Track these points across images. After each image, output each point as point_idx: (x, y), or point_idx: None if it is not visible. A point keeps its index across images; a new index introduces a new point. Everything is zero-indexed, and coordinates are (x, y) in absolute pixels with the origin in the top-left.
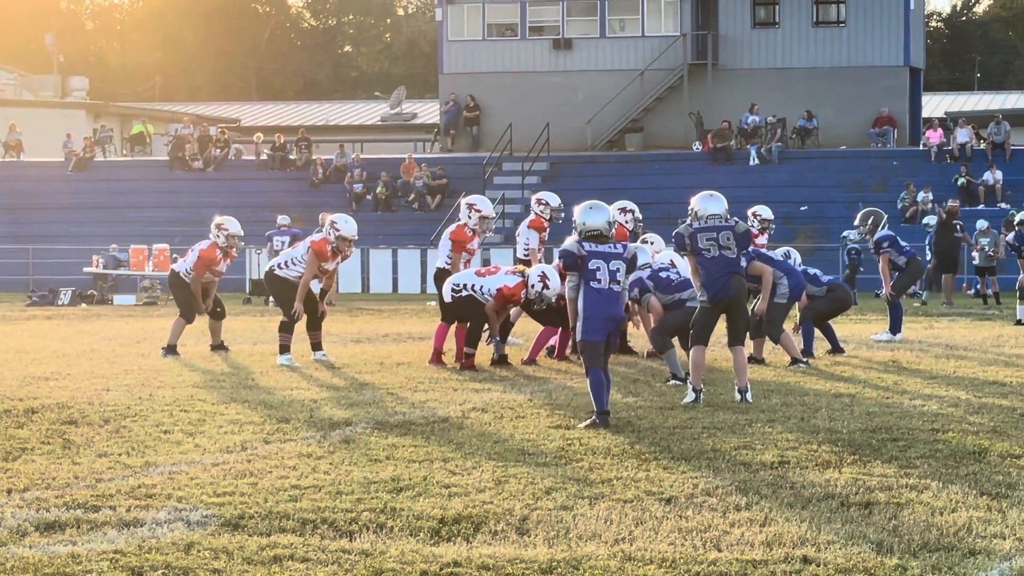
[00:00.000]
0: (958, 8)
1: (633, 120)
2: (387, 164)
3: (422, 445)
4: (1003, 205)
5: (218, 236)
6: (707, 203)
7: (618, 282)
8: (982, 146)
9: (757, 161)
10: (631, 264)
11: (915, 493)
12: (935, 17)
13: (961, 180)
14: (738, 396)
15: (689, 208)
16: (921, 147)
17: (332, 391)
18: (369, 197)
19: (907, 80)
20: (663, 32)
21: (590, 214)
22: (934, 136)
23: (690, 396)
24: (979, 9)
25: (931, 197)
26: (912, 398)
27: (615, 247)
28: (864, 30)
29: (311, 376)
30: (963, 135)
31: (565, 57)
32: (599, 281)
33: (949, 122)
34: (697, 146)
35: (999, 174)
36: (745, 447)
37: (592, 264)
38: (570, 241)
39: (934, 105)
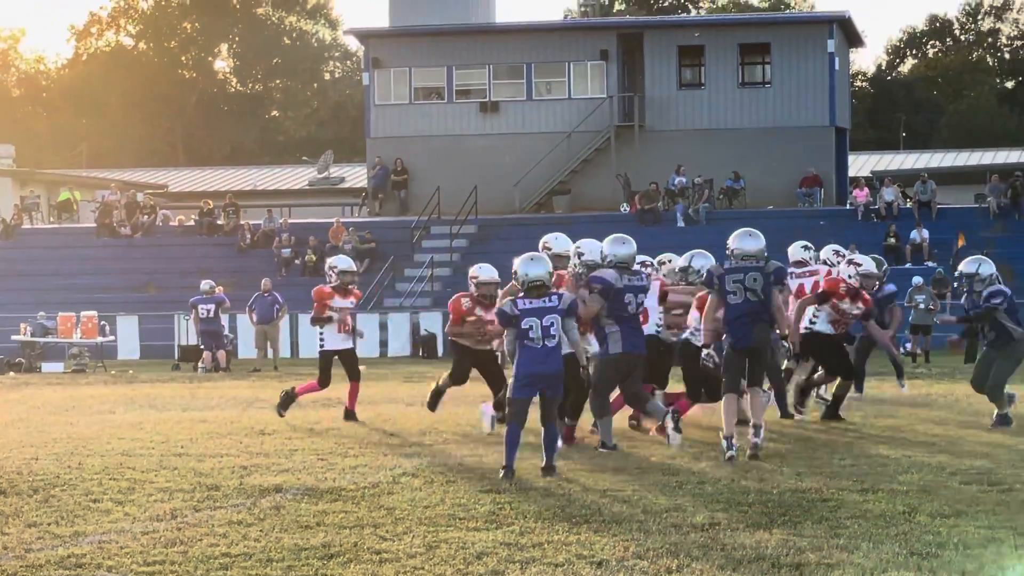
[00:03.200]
0: (883, 68)
1: (561, 182)
2: (315, 228)
3: (352, 511)
4: (930, 263)
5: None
6: (744, 242)
7: (553, 336)
8: (908, 205)
9: (683, 223)
10: (571, 311)
11: (846, 554)
12: (860, 77)
13: (891, 239)
14: (726, 448)
15: (727, 247)
16: (848, 206)
17: (262, 457)
18: (297, 262)
19: (833, 140)
20: (590, 94)
21: (530, 265)
22: (861, 195)
23: (727, 448)
24: (904, 69)
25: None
26: (842, 457)
27: (550, 300)
28: (789, 91)
29: (241, 442)
30: (889, 194)
31: (492, 120)
32: (532, 340)
33: (875, 181)
34: (625, 207)
35: (925, 233)
36: (676, 509)
37: (525, 323)
38: (507, 299)
39: (860, 164)
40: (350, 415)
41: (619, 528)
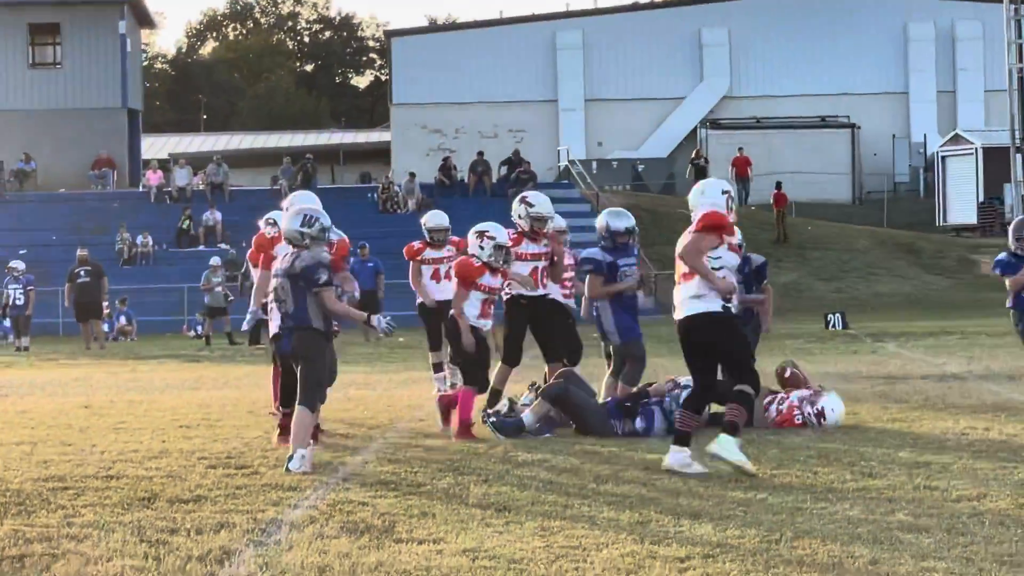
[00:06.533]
0: (184, 50)
1: None
2: None
3: None
4: (223, 245)
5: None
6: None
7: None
8: (202, 187)
9: None
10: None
11: (75, 543)
12: (160, 59)
13: (185, 222)
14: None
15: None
16: (141, 188)
17: None
18: None
19: (126, 121)
20: None
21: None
22: (154, 178)
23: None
24: (205, 51)
25: (151, 241)
26: (92, 443)
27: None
28: (81, 72)
29: None
30: (182, 176)
31: None
32: None
33: (171, 163)
34: None
35: (218, 215)
36: None
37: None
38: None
39: (159, 146)
40: None
41: None
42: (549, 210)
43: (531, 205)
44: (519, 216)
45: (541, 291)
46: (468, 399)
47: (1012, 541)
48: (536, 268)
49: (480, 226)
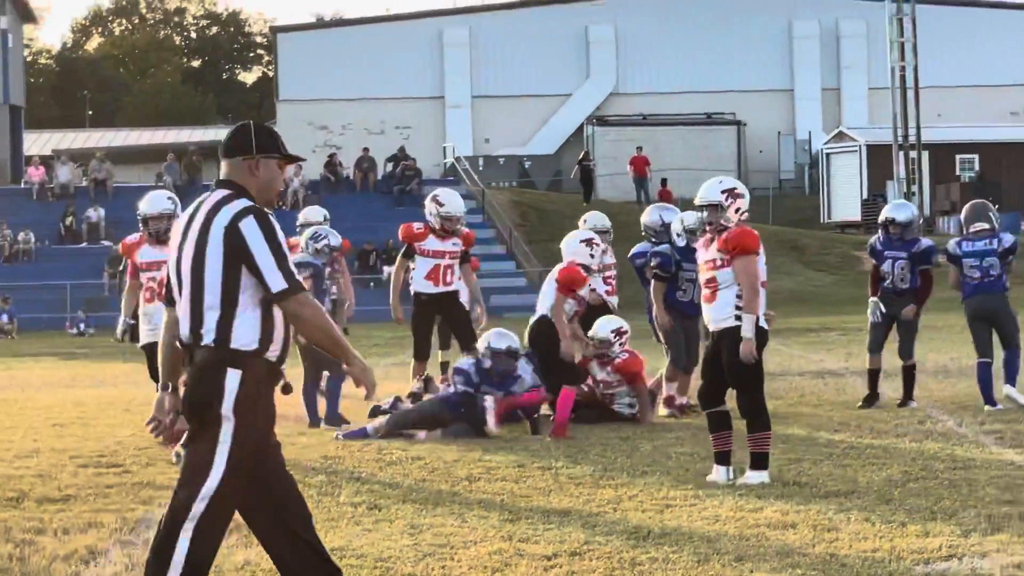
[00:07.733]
0: (68, 45)
1: None
2: None
3: None
4: (106, 242)
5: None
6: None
7: None
8: (85, 183)
9: None
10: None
11: None
12: (44, 55)
13: (68, 219)
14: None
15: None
16: (23, 185)
17: None
18: None
19: (7, 118)
20: None
21: None
22: (36, 174)
23: None
24: (90, 47)
25: (32, 238)
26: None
27: None
28: None
29: None
30: (65, 173)
31: None
32: None
33: (54, 160)
34: None
35: (102, 211)
36: None
37: None
38: None
39: (43, 142)
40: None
41: None
42: (458, 209)
43: (441, 205)
44: (430, 214)
45: (443, 288)
46: (568, 398)
47: (876, 537)
48: (439, 265)
49: (583, 235)
